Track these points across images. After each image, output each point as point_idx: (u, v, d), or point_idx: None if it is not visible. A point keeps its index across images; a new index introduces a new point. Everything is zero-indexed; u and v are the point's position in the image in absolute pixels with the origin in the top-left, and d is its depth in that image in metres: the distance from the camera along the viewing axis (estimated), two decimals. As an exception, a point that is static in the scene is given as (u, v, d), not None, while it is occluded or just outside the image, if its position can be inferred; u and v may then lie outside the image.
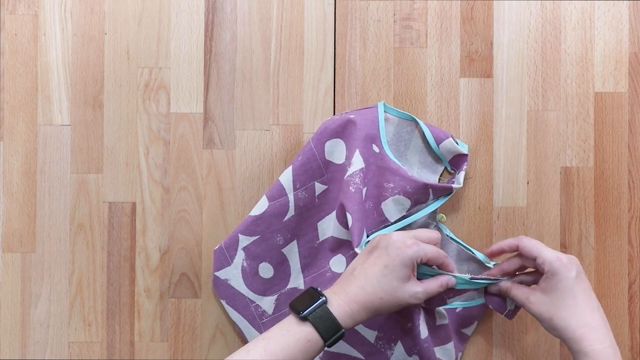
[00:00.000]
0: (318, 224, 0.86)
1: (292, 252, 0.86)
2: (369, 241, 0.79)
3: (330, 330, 0.70)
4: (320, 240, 0.86)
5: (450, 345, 0.85)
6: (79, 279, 0.90)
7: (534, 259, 0.77)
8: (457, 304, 0.84)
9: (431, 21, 0.90)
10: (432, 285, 0.75)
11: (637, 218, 0.89)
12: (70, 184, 0.90)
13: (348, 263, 0.85)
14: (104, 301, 0.89)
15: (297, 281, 0.87)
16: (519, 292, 0.78)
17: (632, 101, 0.90)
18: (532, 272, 0.81)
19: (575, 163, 0.90)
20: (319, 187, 0.85)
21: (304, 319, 0.70)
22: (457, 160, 0.87)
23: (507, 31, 0.90)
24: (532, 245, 0.77)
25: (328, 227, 0.86)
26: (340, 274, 0.83)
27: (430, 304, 0.80)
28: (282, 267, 0.87)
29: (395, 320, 0.83)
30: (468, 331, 0.87)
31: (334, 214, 0.86)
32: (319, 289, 0.74)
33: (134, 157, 0.90)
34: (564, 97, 0.90)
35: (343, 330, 0.71)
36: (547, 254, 0.76)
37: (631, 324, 0.89)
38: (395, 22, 0.90)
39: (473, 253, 0.86)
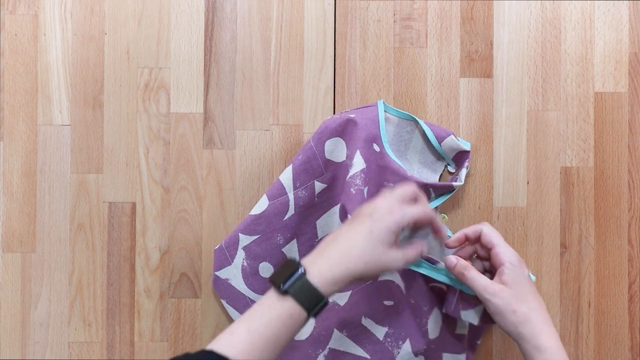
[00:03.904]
0: (317, 222, 0.86)
1: (292, 251, 0.86)
2: None
3: (312, 301, 0.67)
4: (319, 238, 0.86)
5: (463, 357, 0.85)
6: (79, 279, 0.90)
7: (491, 248, 0.76)
8: (471, 317, 0.82)
9: (431, 21, 0.90)
10: (410, 252, 0.73)
11: (637, 218, 0.89)
12: (70, 184, 0.90)
13: None
14: (104, 301, 0.89)
15: None
16: (478, 278, 0.75)
17: (632, 101, 0.90)
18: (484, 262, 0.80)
19: (575, 163, 0.90)
20: (319, 186, 0.85)
21: (284, 292, 0.67)
22: (460, 158, 0.87)
23: (507, 31, 0.90)
24: (495, 235, 0.77)
25: (327, 224, 0.86)
26: None
27: (447, 310, 0.81)
28: None
29: (407, 316, 0.83)
30: (478, 341, 0.87)
31: (332, 210, 0.86)
32: (297, 259, 0.71)
33: (134, 157, 0.90)
34: (564, 97, 0.90)
35: (325, 299, 0.68)
36: (508, 247, 0.76)
37: (631, 324, 0.89)
38: (395, 22, 0.90)
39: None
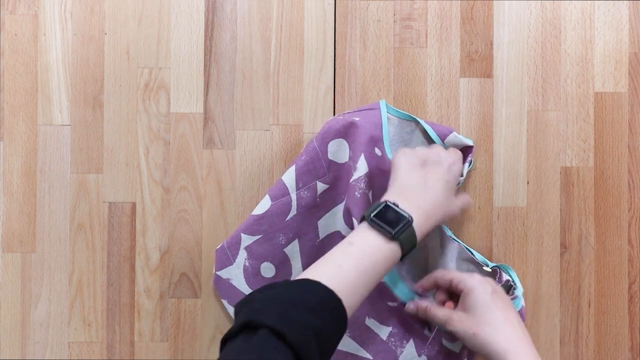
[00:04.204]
0: (318, 222, 0.86)
1: (294, 251, 0.86)
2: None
3: (411, 247, 0.72)
4: (320, 239, 0.86)
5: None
6: (79, 279, 0.90)
7: (450, 283, 0.79)
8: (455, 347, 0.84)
9: (431, 21, 0.90)
10: (462, 199, 0.81)
11: (637, 218, 0.89)
12: (70, 184, 0.90)
13: None
14: (104, 301, 0.89)
15: None
16: (440, 312, 0.78)
17: (632, 101, 0.90)
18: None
19: (575, 163, 0.90)
20: (321, 187, 0.85)
21: (394, 238, 0.71)
22: (463, 153, 0.87)
23: (507, 31, 0.90)
24: (445, 272, 0.80)
25: (328, 224, 0.86)
26: None
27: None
28: (284, 266, 0.86)
29: (411, 316, 0.84)
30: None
31: (334, 210, 0.85)
32: (398, 205, 0.73)
33: (134, 157, 0.90)
34: (564, 97, 0.90)
35: (417, 244, 0.73)
36: (462, 274, 0.78)
37: (631, 324, 0.89)
38: (395, 22, 0.90)
39: (473, 254, 0.86)
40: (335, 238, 0.86)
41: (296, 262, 0.86)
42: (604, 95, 0.90)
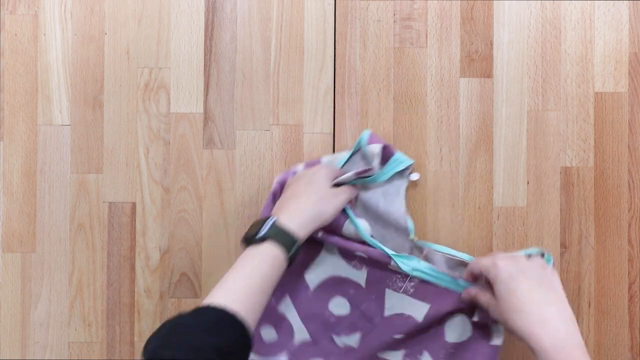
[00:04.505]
0: (305, 275, 0.86)
1: (289, 307, 0.86)
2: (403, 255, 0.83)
3: (288, 242, 0.74)
4: (312, 290, 0.86)
5: None
6: (79, 279, 0.90)
7: (479, 275, 0.79)
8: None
9: (431, 21, 0.90)
10: (346, 189, 0.84)
11: (637, 218, 0.89)
12: (70, 184, 0.90)
13: (351, 304, 0.85)
14: (104, 301, 0.89)
15: (302, 334, 0.86)
16: (483, 298, 0.79)
17: (632, 101, 0.90)
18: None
19: (575, 163, 0.90)
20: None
21: (262, 239, 0.73)
22: (385, 154, 0.87)
23: (507, 31, 0.90)
24: (473, 263, 0.80)
25: (317, 273, 0.86)
26: (346, 315, 0.85)
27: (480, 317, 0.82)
28: (282, 324, 0.86)
29: (421, 333, 0.84)
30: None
31: (318, 259, 0.85)
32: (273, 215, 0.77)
33: (134, 157, 0.90)
34: (564, 97, 0.90)
35: (299, 241, 0.75)
36: (483, 262, 0.78)
37: (631, 324, 0.89)
38: (395, 22, 0.90)
39: (458, 257, 0.85)
40: (323, 287, 0.86)
41: (293, 317, 0.86)
42: (604, 95, 0.90)
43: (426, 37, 0.90)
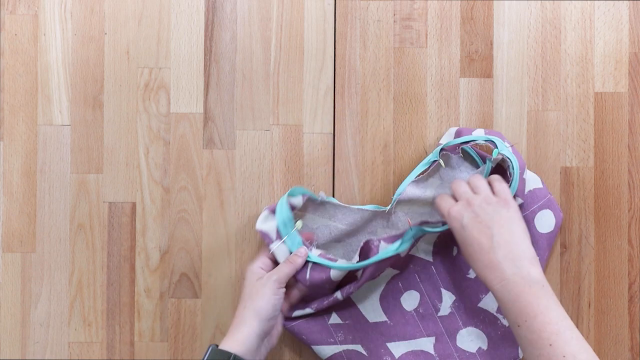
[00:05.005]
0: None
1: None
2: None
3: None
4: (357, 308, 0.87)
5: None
6: (79, 279, 0.90)
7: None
8: None
9: (431, 21, 0.90)
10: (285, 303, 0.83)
11: (637, 218, 0.89)
12: (70, 184, 0.90)
13: (417, 291, 0.87)
14: (104, 301, 0.89)
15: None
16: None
17: (632, 101, 0.90)
18: None
19: (575, 163, 0.90)
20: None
21: None
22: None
23: (507, 31, 0.90)
24: (437, 202, 0.79)
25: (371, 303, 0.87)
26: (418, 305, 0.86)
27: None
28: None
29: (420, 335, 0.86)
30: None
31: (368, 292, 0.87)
32: (218, 347, 0.76)
33: (134, 157, 0.90)
34: (564, 97, 0.90)
35: (233, 354, 0.75)
36: (442, 211, 0.78)
37: (631, 324, 0.89)
38: (395, 22, 0.90)
39: (472, 141, 0.85)
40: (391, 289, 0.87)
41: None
42: (604, 95, 0.90)
43: (426, 37, 0.90)
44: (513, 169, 0.80)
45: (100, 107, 0.90)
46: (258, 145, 0.90)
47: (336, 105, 0.90)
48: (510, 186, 0.79)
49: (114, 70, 0.90)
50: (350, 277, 0.83)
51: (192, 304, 0.89)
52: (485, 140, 0.83)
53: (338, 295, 0.83)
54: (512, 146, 0.83)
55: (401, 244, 0.81)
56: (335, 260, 0.81)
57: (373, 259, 0.80)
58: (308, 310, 0.84)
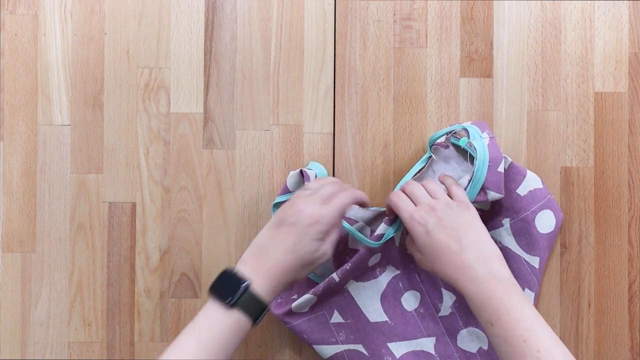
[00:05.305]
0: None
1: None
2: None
3: (257, 311, 0.71)
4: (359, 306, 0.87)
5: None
6: (79, 279, 0.90)
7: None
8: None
9: (431, 21, 0.90)
10: (334, 236, 0.76)
11: (637, 218, 0.89)
12: (70, 184, 0.90)
13: (418, 291, 0.87)
14: (104, 301, 0.89)
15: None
16: (410, 247, 0.81)
17: (632, 101, 0.90)
18: None
19: (575, 163, 0.90)
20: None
21: (231, 305, 0.70)
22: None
23: (507, 31, 0.90)
24: (396, 204, 0.79)
25: (373, 304, 0.87)
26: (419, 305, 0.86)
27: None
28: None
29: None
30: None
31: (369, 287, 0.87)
32: (235, 270, 0.72)
33: (134, 157, 0.90)
34: (564, 97, 0.90)
35: (268, 307, 0.72)
36: (404, 214, 0.77)
37: (631, 324, 0.89)
38: (395, 22, 0.90)
39: (454, 129, 0.85)
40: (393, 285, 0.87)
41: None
42: (604, 95, 0.90)
43: (426, 37, 0.90)
44: (477, 159, 0.80)
45: (100, 107, 0.90)
46: (258, 145, 0.90)
47: (336, 105, 0.90)
48: (472, 177, 0.80)
49: (114, 70, 0.90)
50: (343, 259, 0.85)
51: (192, 304, 0.89)
52: (462, 129, 0.83)
53: (334, 276, 0.83)
54: (491, 138, 0.82)
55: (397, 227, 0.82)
56: (355, 222, 0.84)
57: (381, 241, 0.82)
58: (308, 297, 0.84)
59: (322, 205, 0.74)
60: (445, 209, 0.76)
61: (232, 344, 0.70)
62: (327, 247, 0.75)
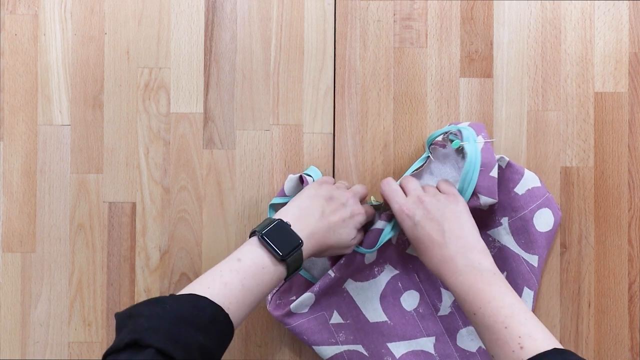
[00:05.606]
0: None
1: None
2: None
3: (297, 268, 0.74)
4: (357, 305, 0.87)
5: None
6: (79, 279, 0.90)
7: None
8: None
9: (431, 21, 0.90)
10: (362, 234, 0.82)
11: (637, 218, 0.89)
12: (70, 184, 0.90)
13: (417, 290, 0.87)
14: (104, 301, 0.89)
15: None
16: (405, 236, 0.83)
17: (632, 101, 0.90)
18: None
19: (575, 163, 0.90)
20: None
21: (282, 260, 0.71)
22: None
23: (507, 31, 0.90)
24: (387, 193, 0.81)
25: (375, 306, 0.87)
26: (418, 304, 0.87)
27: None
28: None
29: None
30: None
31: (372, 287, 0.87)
32: (291, 225, 0.73)
33: (134, 157, 0.90)
34: (564, 97, 0.90)
35: (300, 268, 0.74)
36: (394, 206, 0.79)
37: (631, 324, 0.89)
38: (395, 22, 0.90)
39: (454, 129, 0.85)
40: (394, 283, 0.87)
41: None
42: (604, 95, 0.90)
43: (426, 37, 0.90)
44: (466, 163, 0.80)
45: (100, 107, 0.90)
46: (258, 145, 0.90)
47: (336, 105, 0.90)
48: (460, 181, 0.81)
49: (114, 70, 0.90)
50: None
51: (192, 304, 0.89)
52: (457, 130, 0.83)
53: (330, 272, 0.83)
54: (486, 142, 0.82)
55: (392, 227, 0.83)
56: None
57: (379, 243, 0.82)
58: (307, 295, 0.84)
59: (359, 203, 0.81)
60: (433, 200, 0.77)
61: (267, 292, 0.72)
62: (360, 239, 0.81)
